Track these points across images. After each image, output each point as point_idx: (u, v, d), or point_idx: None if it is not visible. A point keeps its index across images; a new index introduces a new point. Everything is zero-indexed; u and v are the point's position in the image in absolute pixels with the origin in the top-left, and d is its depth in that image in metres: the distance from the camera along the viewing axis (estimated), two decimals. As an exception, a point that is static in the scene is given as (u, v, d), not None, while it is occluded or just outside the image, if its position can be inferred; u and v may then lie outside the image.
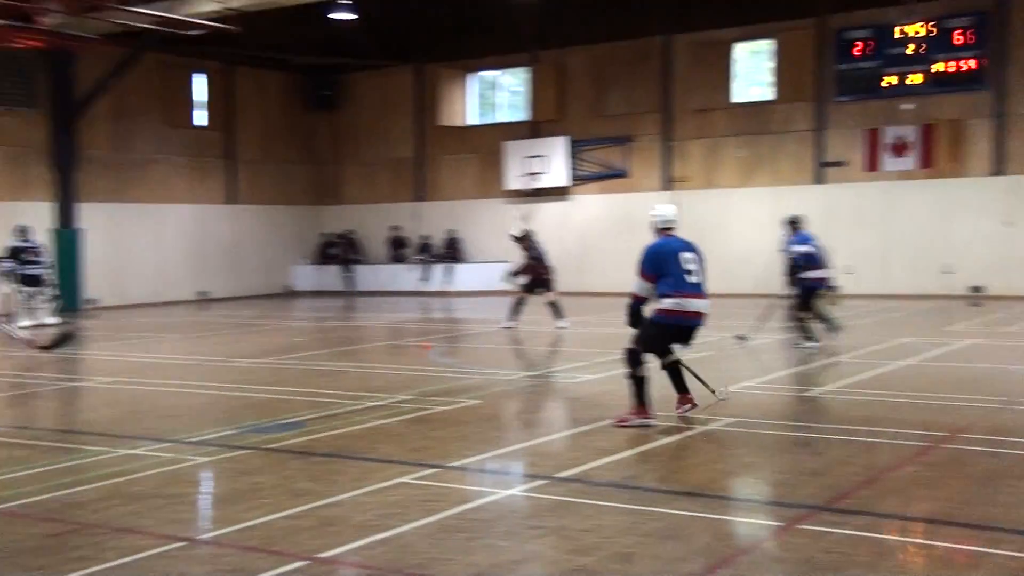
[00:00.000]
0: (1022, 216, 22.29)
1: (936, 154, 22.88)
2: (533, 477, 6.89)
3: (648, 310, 8.62)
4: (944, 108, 23.07)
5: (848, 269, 24.06)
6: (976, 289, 22.63)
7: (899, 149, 23.16)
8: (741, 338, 14.40)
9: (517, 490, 6.58)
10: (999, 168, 22.66)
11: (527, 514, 5.98)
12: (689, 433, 8.15)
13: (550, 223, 28.24)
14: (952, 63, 22.63)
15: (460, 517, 5.80)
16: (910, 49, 22.99)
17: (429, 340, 16.62)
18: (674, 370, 8.69)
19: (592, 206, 27.84)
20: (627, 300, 8.66)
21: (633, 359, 8.52)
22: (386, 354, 15.43)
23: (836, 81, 24.15)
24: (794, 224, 14.50)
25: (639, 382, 8.49)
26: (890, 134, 23.27)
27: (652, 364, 8.60)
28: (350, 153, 31.68)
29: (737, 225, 25.44)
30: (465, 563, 5.00)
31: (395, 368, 12.91)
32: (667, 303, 8.44)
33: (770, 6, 24.67)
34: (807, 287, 13.79)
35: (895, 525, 5.71)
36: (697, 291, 8.51)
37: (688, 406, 8.66)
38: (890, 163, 23.32)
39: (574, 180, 27.70)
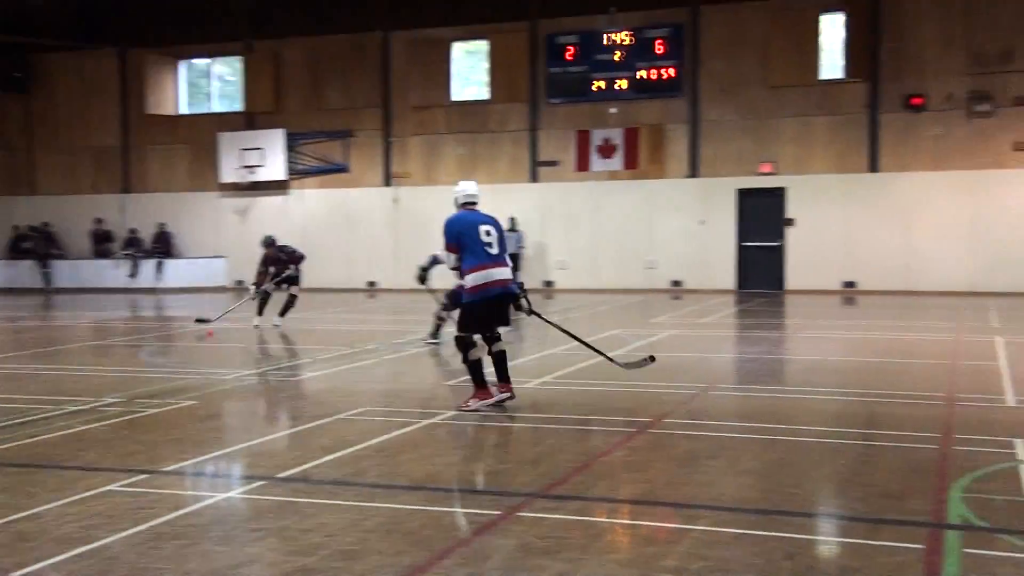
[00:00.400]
0: (713, 215, 24.12)
1: (640, 156, 24.33)
2: (252, 478, 6.68)
3: (460, 295, 9.00)
4: (647, 113, 24.58)
5: (561, 265, 25.15)
6: (676, 283, 24.29)
7: (607, 151, 24.44)
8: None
9: (235, 493, 6.36)
10: (694, 171, 24.42)
11: (246, 517, 5.78)
12: (411, 428, 8.19)
13: (268, 218, 27.61)
14: (653, 71, 24.17)
15: (174, 524, 5.52)
16: (617, 56, 24.32)
17: (206, 329, 15.78)
18: (499, 356, 8.91)
19: (312, 201, 27.46)
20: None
21: (463, 345, 8.75)
22: (91, 355, 14.46)
23: (548, 84, 25.13)
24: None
25: (474, 365, 8.73)
26: (598, 136, 24.50)
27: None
28: (46, 140, 29.58)
29: (456, 221, 25.86)
30: (179, 572, 4.76)
31: (101, 370, 12.14)
32: (471, 279, 8.68)
33: (485, 8, 25.32)
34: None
35: (605, 508, 6.00)
36: (497, 261, 8.74)
37: (507, 395, 8.89)
38: (599, 164, 24.56)
39: (292, 174, 27.20)
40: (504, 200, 25.35)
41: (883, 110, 22.89)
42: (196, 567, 4.83)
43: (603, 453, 7.26)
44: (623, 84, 24.36)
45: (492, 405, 8.77)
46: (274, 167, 26.90)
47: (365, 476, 6.68)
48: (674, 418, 8.57)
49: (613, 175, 24.79)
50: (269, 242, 16.99)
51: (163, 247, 28.30)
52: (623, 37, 24.27)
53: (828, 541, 5.40)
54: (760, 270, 23.95)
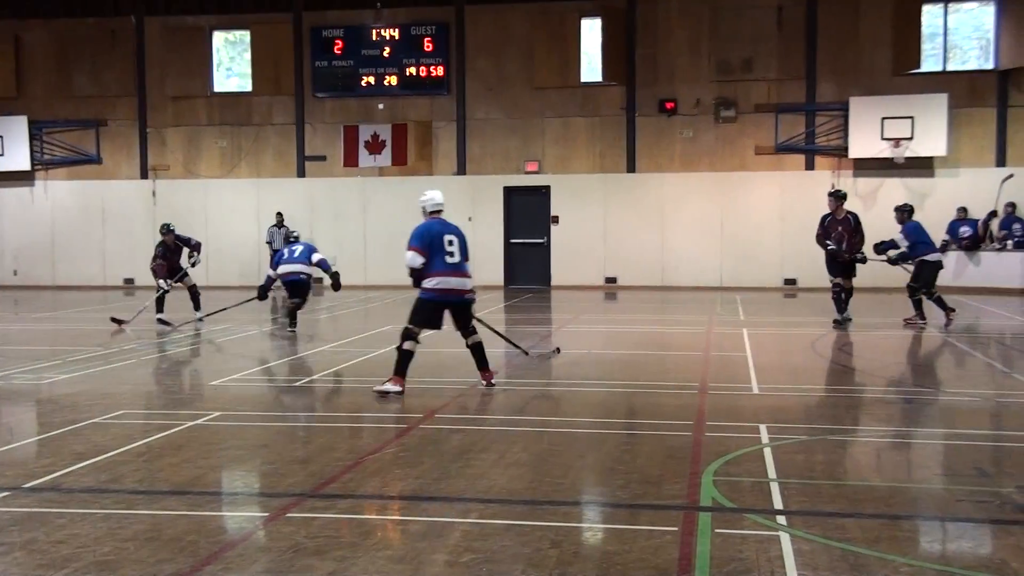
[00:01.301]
0: (481, 213, 24.47)
1: (408, 153, 24.35)
2: (-5, 490, 6.21)
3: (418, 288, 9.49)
4: (415, 110, 24.64)
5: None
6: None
7: (375, 147, 24.32)
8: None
9: (-25, 507, 5.89)
10: (462, 168, 24.71)
11: (-12, 532, 5.37)
12: (173, 431, 7.86)
13: (12, 210, 25.79)
14: (422, 68, 24.26)
15: (-97, 544, 5.06)
16: (385, 52, 24.24)
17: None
18: (476, 348, 9.78)
19: (61, 193, 25.82)
20: (409, 273, 9.40)
21: (406, 335, 9.39)
22: None
23: (314, 77, 24.73)
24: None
25: (404, 355, 9.34)
26: (366, 132, 24.35)
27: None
28: None
29: (219, 216, 25.08)
30: (-89, 596, 4.37)
31: None
32: (430, 282, 9.37)
33: (247, -4, 24.69)
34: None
35: (376, 504, 5.98)
36: (456, 270, 9.47)
37: (488, 381, 9.73)
38: (367, 160, 24.40)
39: (37, 164, 25.48)
40: (271, 195, 24.80)
41: (639, 113, 23.97)
42: (-70, 590, 4.45)
43: (374, 450, 7.23)
44: (393, 80, 24.31)
45: (394, 392, 9.22)
46: (16, 156, 25.09)
47: (123, 482, 6.36)
48: (445, 413, 8.65)
49: (382, 171, 24.70)
50: (168, 230, 16.07)
51: None
52: (391, 33, 24.23)
53: (592, 527, 5.61)
54: (527, 266, 24.54)
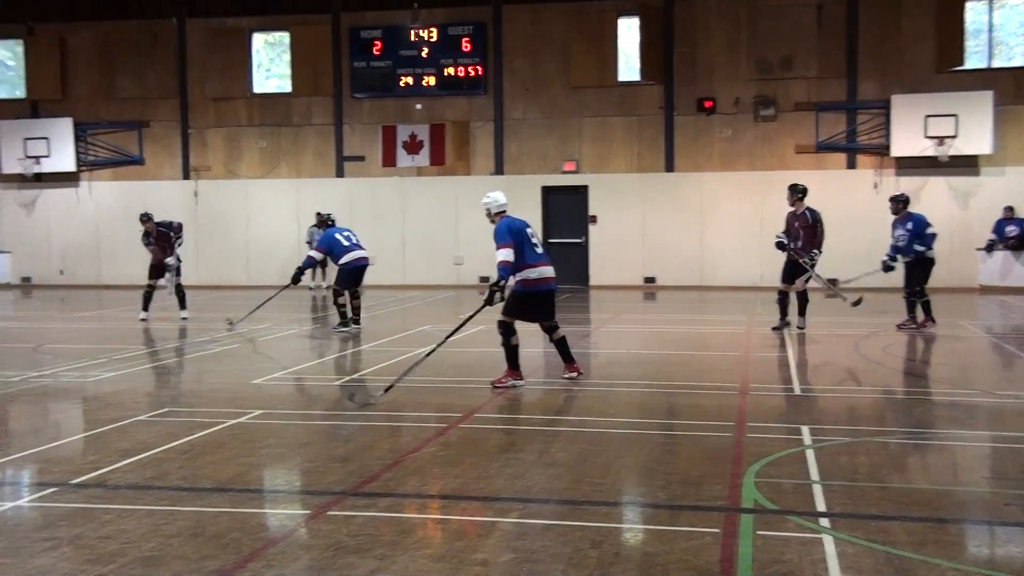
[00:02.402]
0: (518, 212, 24.36)
1: (446, 152, 24.41)
2: (43, 485, 6.31)
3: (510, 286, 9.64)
4: (452, 110, 24.70)
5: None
6: (484, 279, 24.50)
7: (413, 147, 24.40)
8: (230, 323, 15.10)
9: (23, 501, 5.99)
10: (499, 168, 24.72)
11: (36, 526, 5.45)
12: (215, 428, 7.94)
13: (57, 211, 26.20)
14: (460, 68, 24.31)
15: (-46, 539, 5.15)
16: (424, 52, 24.31)
17: None
18: (561, 343, 10.02)
19: (105, 193, 26.15)
20: (498, 272, 9.38)
21: (505, 329, 9.64)
22: None
23: (353, 78, 24.86)
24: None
25: (511, 349, 9.64)
26: (404, 132, 24.43)
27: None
28: None
29: (259, 216, 25.29)
30: (-38, 590, 4.45)
31: None
32: (531, 273, 9.65)
33: (285, -3, 24.88)
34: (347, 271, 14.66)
35: (416, 503, 6.00)
36: (547, 259, 9.83)
37: (575, 373, 10.01)
38: (405, 159, 24.48)
39: (82, 166, 25.84)
40: (310, 195, 24.95)
41: (677, 112, 23.85)
42: (-20, 584, 4.53)
43: (413, 449, 7.25)
44: (431, 80, 24.38)
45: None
46: (62, 157, 25.45)
47: (167, 479, 6.43)
48: (485, 412, 8.67)
49: (420, 171, 24.78)
50: (147, 218, 16.46)
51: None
52: (429, 33, 24.30)
53: (632, 528, 5.59)
54: (566, 266, 24.42)
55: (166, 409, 8.76)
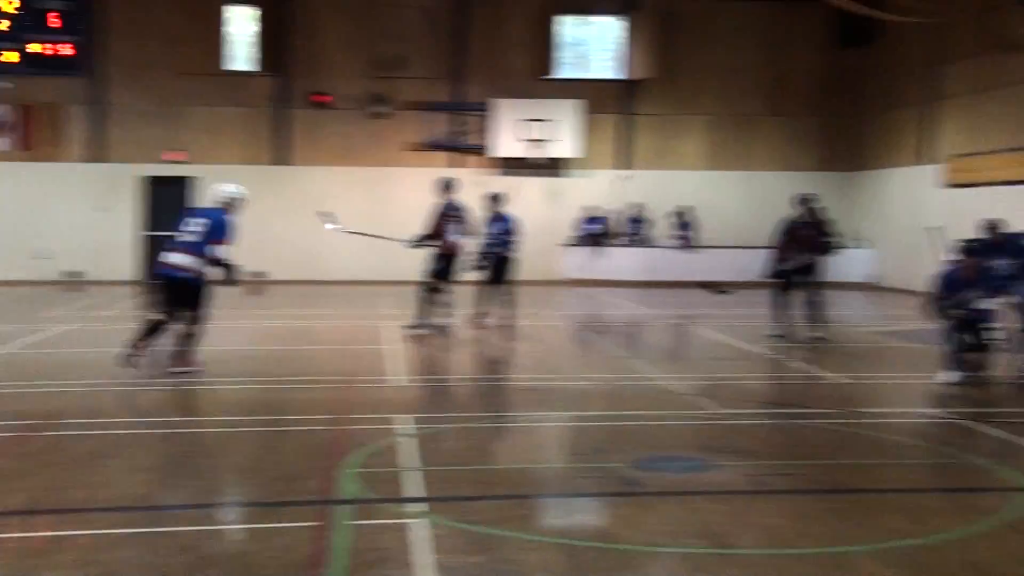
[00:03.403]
0: (118, 202, 23.05)
1: (35, 137, 22.46)
2: None
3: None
4: (42, 91, 22.75)
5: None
6: (74, 274, 22.73)
7: (-4, 130, 22.20)
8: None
9: None
10: (98, 155, 23.14)
11: None
12: None
13: None
14: (49, 46, 22.34)
15: None
16: (4, 25, 22.06)
17: None
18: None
19: None
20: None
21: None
22: None
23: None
24: None
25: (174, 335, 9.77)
26: (-16, 112, 22.17)
27: None
28: None
29: None
30: None
31: None
32: None
33: None
34: None
35: (-18, 522, 5.44)
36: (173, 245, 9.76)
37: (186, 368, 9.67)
38: (-12, 143, 22.22)
39: None
40: None
41: (293, 105, 23.63)
42: None
43: (-16, 462, 6.59)
44: (13, 57, 22.13)
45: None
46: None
47: None
48: (69, 417, 8.05)
49: (4, 156, 22.59)
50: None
51: None
52: (13, 6, 22.08)
53: (224, 529, 5.44)
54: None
55: None
